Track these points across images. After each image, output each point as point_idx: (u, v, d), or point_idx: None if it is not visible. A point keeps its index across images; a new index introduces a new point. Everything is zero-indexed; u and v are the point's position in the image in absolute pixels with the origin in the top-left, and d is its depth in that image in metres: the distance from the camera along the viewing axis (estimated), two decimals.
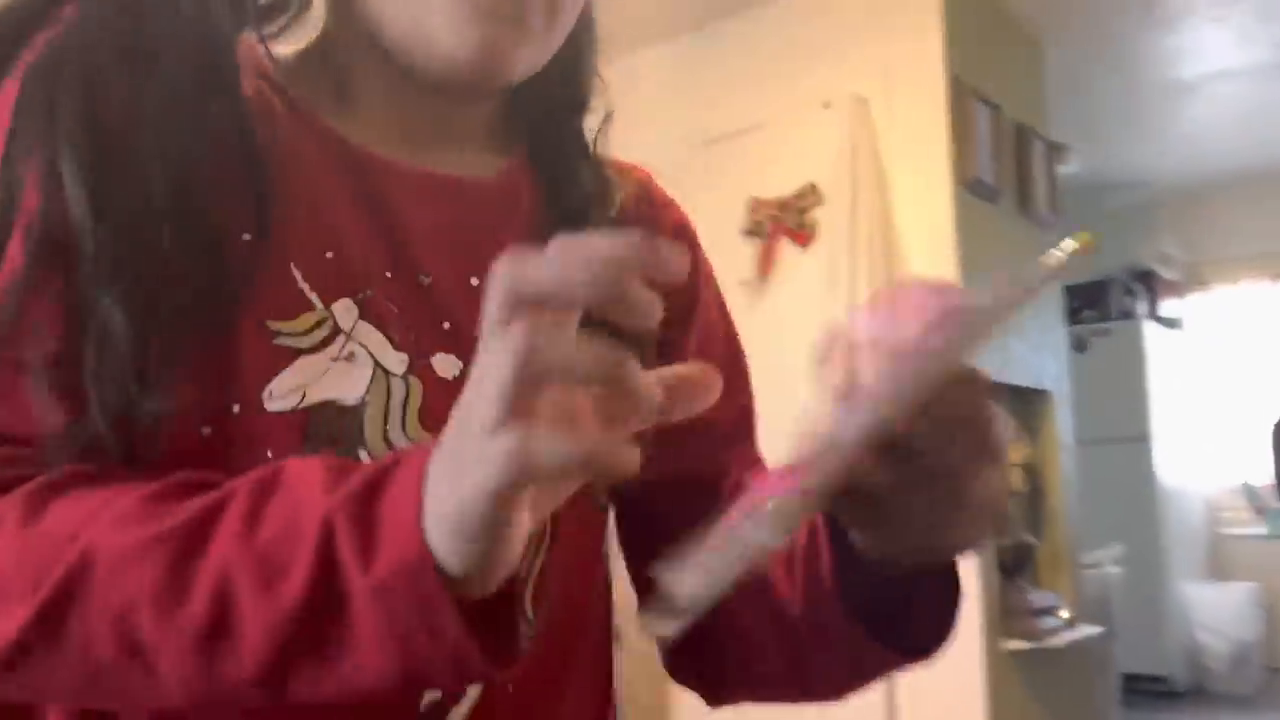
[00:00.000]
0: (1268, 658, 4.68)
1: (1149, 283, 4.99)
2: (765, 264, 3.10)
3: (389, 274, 0.56)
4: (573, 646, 0.59)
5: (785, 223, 3.07)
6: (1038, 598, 3.03)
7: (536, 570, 0.53)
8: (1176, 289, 5.16)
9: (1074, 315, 4.42)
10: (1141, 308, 4.90)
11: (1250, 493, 4.92)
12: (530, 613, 0.52)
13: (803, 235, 3.03)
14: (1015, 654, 2.87)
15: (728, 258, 3.19)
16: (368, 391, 0.52)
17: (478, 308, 0.54)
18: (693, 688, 0.67)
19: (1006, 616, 2.91)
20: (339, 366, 0.52)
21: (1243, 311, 5.16)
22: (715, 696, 0.67)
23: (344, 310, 0.54)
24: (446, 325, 0.57)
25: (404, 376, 0.54)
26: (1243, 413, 4.91)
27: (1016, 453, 3.22)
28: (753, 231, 3.14)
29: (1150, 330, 4.76)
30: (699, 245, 0.73)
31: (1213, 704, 4.34)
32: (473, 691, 0.52)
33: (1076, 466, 3.46)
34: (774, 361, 3.40)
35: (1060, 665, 3.10)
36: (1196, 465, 4.95)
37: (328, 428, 0.51)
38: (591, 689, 0.61)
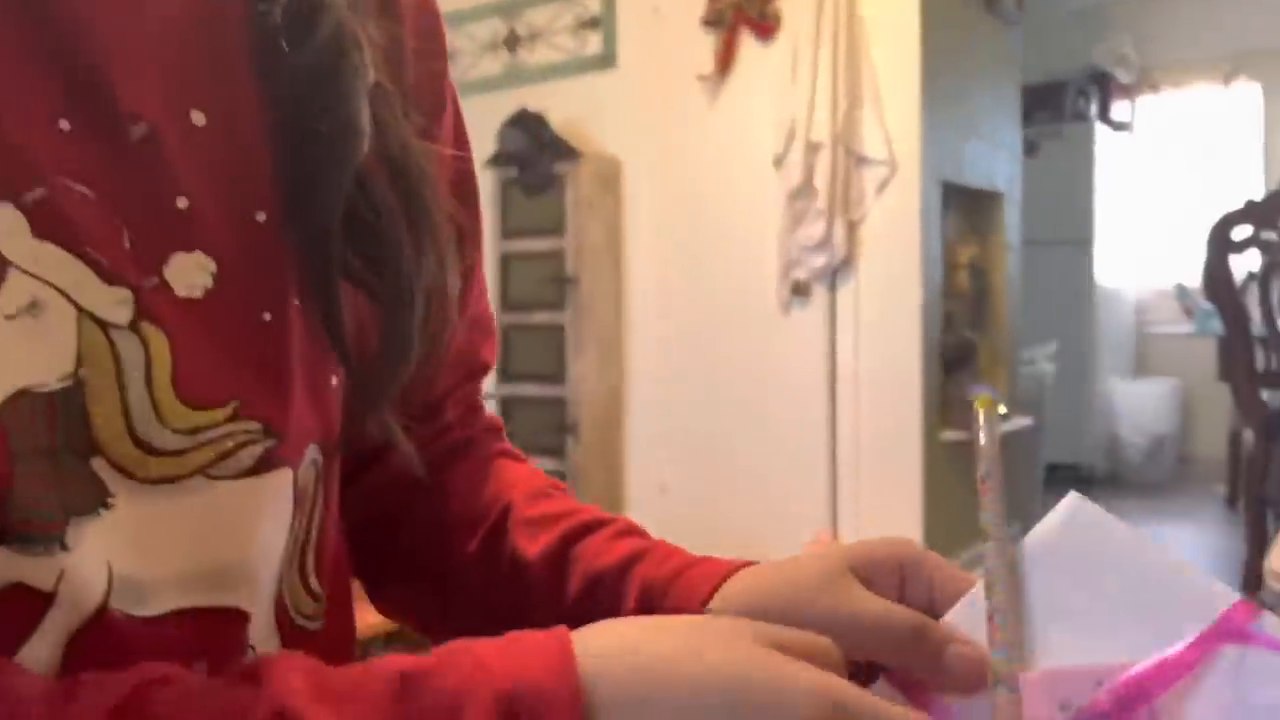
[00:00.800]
0: (1180, 448, 5.00)
1: (1102, 85, 4.96)
2: (725, 57, 3.01)
3: (68, 126, 0.34)
4: (343, 602, 0.48)
5: (748, 13, 2.96)
6: (977, 391, 3.17)
7: (315, 536, 0.43)
8: (1128, 92, 5.14)
9: (1028, 118, 4.41)
10: (1093, 110, 4.89)
11: (1182, 293, 5.11)
12: (316, 583, 0.43)
13: (765, 27, 2.93)
14: (951, 444, 3.03)
15: (686, 50, 3.09)
16: (80, 363, 0.33)
17: (216, 167, 0.37)
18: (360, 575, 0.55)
19: (945, 409, 3.06)
20: (20, 327, 0.32)
21: (1191, 115, 5.18)
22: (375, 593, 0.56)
23: (3, 225, 0.32)
24: (182, 202, 0.36)
25: (131, 327, 0.34)
26: (1184, 215, 5.02)
27: (965, 253, 3.28)
28: (713, 22, 3.03)
29: (1100, 133, 4.78)
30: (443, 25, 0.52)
31: (1126, 490, 4.67)
32: None
33: (1021, 267, 3.55)
34: (733, 158, 3.37)
35: None
36: (1132, 267, 5.10)
37: (33, 434, 0.32)
38: (347, 629, 0.49)
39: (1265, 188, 4.00)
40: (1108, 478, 4.83)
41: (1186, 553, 3.82)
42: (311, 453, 0.41)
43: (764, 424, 3.15)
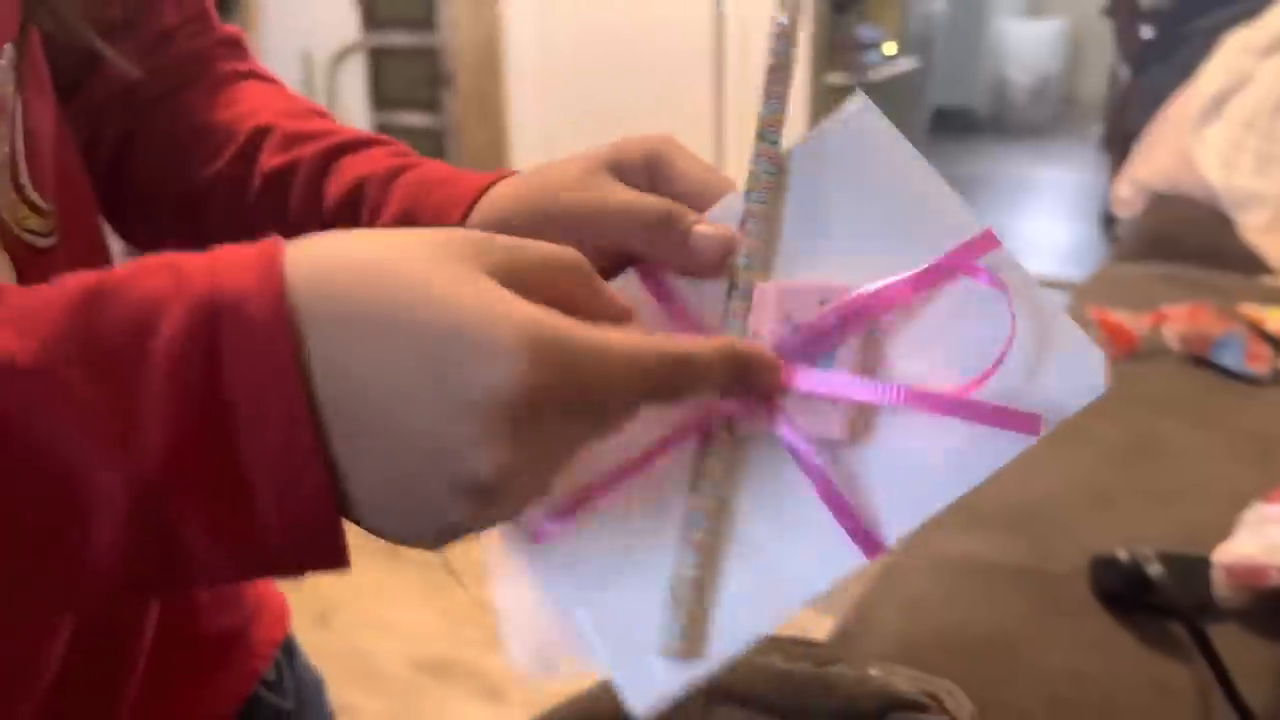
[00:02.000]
0: (1065, 90, 5.08)
1: None
2: None
3: None
4: (83, 216, 0.45)
5: None
6: (865, 32, 3.12)
7: (25, 145, 0.39)
8: None
9: None
10: None
11: None
12: (38, 196, 0.39)
13: None
14: (837, 88, 3.02)
15: None
16: None
17: None
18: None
19: (834, 51, 3.01)
20: None
21: None
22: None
23: None
24: None
25: None
26: None
27: None
28: None
29: None
30: None
31: (1011, 133, 4.78)
32: None
33: None
34: None
35: (878, 96, 3.28)
36: None
37: None
38: (92, 245, 0.46)
39: None
40: (992, 121, 4.92)
41: (1059, 193, 4.00)
42: (7, 54, 0.37)
43: (650, 71, 3.07)
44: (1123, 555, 0.68)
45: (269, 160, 0.45)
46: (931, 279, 0.31)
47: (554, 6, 3.13)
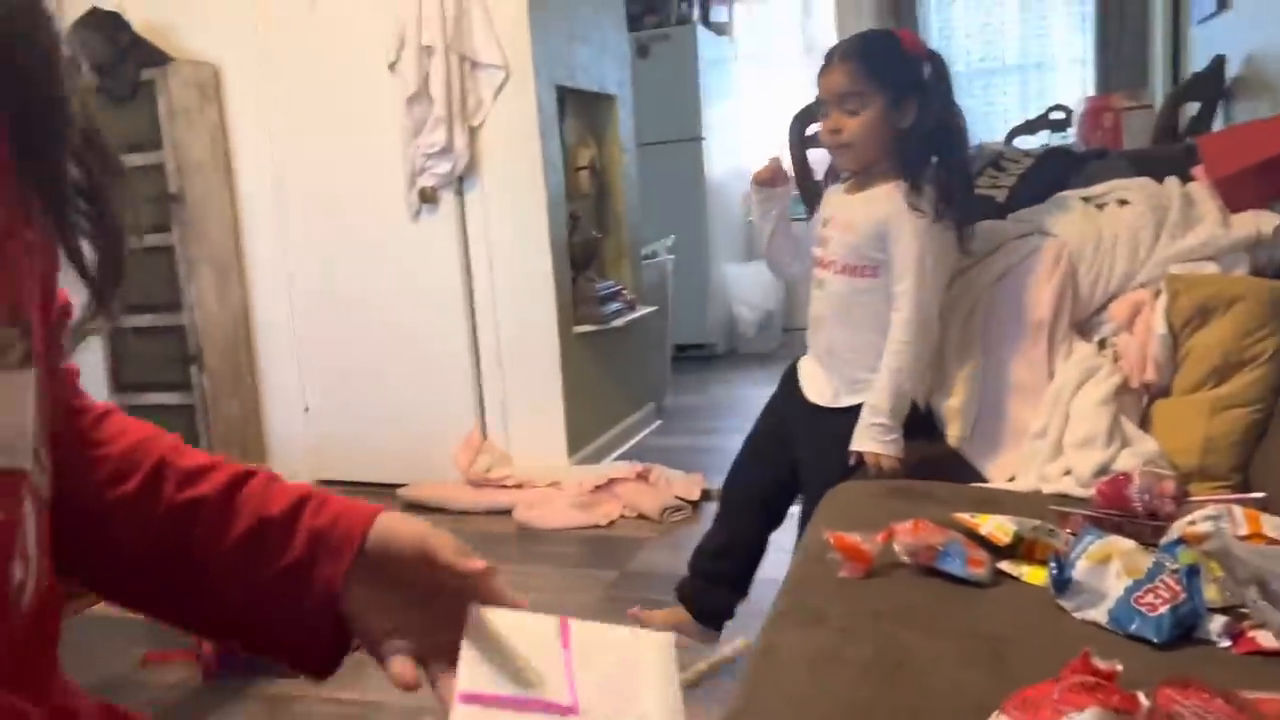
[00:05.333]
0: (786, 321, 5.63)
1: None
2: None
3: None
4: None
5: None
6: (603, 286, 3.37)
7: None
8: None
9: (635, 21, 4.60)
10: (695, 13, 5.21)
11: None
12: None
13: None
14: (584, 335, 3.21)
15: None
16: None
17: None
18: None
19: (577, 305, 3.22)
20: None
21: (780, 19, 5.68)
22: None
23: None
24: None
25: None
26: (778, 110, 5.53)
27: (585, 156, 3.42)
28: None
29: (702, 35, 5.11)
30: None
31: (743, 361, 5.21)
32: None
33: (637, 167, 3.76)
34: (346, 62, 3.19)
35: (623, 341, 3.52)
36: (737, 161, 5.57)
37: None
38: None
39: None
40: (727, 352, 5.35)
41: None
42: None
43: (403, 334, 3.15)
44: None
45: (174, 495, 0.57)
46: None
47: (300, 282, 3.19)
